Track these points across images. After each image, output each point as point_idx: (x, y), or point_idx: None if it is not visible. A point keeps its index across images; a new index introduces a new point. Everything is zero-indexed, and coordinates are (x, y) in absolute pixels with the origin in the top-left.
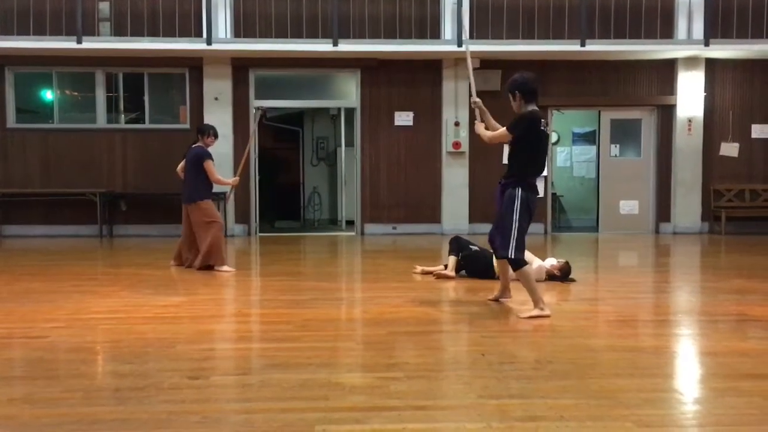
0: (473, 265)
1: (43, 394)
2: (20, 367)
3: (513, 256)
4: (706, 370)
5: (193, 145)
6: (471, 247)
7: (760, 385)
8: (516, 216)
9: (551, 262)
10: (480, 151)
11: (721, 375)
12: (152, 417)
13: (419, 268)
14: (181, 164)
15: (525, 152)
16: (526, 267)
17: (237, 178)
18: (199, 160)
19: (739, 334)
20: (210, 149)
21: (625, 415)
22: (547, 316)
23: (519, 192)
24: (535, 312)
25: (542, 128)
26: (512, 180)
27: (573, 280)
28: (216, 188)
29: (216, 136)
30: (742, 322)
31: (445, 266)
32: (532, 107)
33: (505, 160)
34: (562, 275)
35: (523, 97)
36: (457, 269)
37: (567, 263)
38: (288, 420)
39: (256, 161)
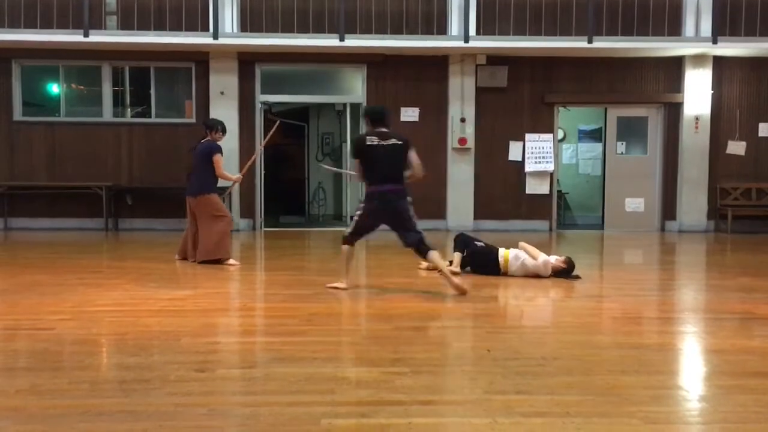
0: (479, 261)
1: (49, 385)
2: (26, 358)
3: (345, 236)
4: (712, 368)
5: (203, 140)
6: (476, 243)
7: (767, 383)
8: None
9: (556, 257)
10: (486, 147)
11: (727, 372)
12: (158, 409)
13: (424, 264)
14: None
15: (364, 165)
16: (344, 246)
17: (240, 176)
18: (209, 154)
19: (745, 332)
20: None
21: (632, 411)
22: (344, 289)
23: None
24: (337, 284)
25: (369, 144)
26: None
27: (578, 278)
28: (219, 182)
29: (224, 131)
30: (748, 320)
31: (450, 262)
32: (371, 129)
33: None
34: (567, 268)
35: (368, 121)
36: (463, 265)
37: (569, 258)
38: (294, 414)
39: (261, 156)
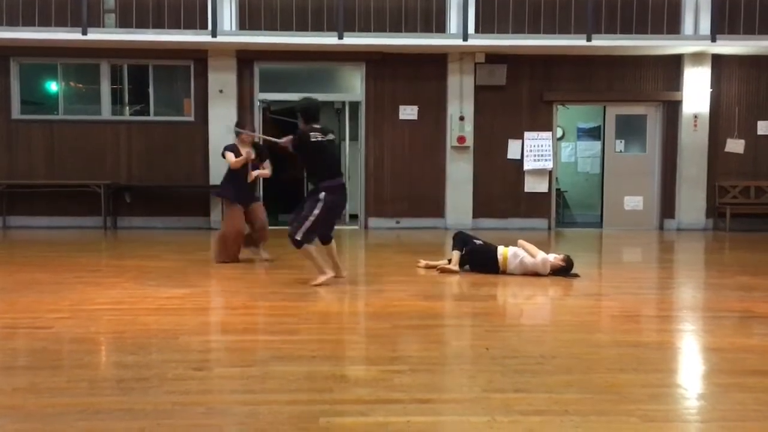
0: (478, 259)
1: (47, 384)
2: (24, 357)
3: (299, 239)
4: (711, 366)
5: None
6: (475, 241)
7: (765, 382)
8: (315, 212)
9: (554, 256)
10: (485, 146)
11: (725, 371)
12: (156, 407)
13: (423, 262)
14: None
15: (312, 162)
16: (307, 246)
17: (249, 151)
18: (222, 154)
19: (743, 331)
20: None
21: (630, 410)
22: (331, 277)
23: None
24: (321, 279)
25: (314, 140)
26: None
27: (577, 276)
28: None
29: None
30: (746, 319)
31: (449, 261)
32: (308, 127)
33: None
34: (566, 266)
35: (303, 118)
36: (461, 264)
37: (567, 256)
38: (293, 412)
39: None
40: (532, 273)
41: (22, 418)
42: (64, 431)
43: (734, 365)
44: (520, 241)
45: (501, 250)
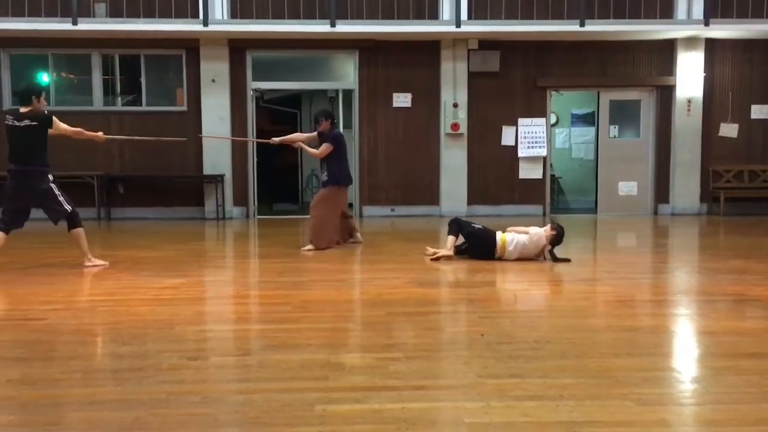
0: (477, 242)
1: (41, 375)
2: (18, 348)
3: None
4: (705, 349)
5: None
6: (474, 225)
7: (759, 364)
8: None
9: (544, 228)
10: (478, 133)
11: (719, 354)
12: (151, 397)
13: (430, 250)
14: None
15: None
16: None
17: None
18: None
19: (737, 314)
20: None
21: (624, 393)
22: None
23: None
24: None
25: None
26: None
27: (568, 260)
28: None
29: (326, 117)
30: (740, 302)
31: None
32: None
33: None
34: (558, 234)
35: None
36: (459, 253)
37: (556, 224)
38: (288, 400)
39: (254, 144)
40: (527, 257)
41: (16, 410)
42: (58, 422)
43: (728, 348)
44: (509, 228)
45: (499, 235)
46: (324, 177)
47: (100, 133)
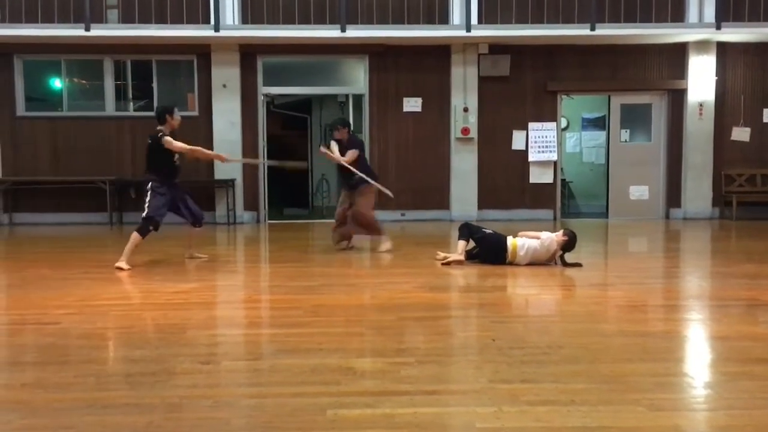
0: (488, 247)
1: (55, 379)
2: (32, 352)
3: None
4: (718, 355)
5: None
6: (484, 230)
7: None
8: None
9: (556, 233)
10: (489, 137)
11: (732, 359)
12: (164, 401)
13: (441, 255)
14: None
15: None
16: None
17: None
18: None
19: (750, 319)
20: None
21: (637, 399)
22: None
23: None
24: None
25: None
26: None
27: (579, 265)
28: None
29: (343, 125)
30: (753, 307)
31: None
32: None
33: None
34: (570, 239)
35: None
36: (470, 258)
37: (568, 230)
38: (299, 404)
39: (264, 149)
40: (539, 262)
41: (30, 413)
42: (72, 426)
43: (741, 354)
44: (520, 233)
45: (510, 240)
46: (354, 179)
47: (224, 154)
